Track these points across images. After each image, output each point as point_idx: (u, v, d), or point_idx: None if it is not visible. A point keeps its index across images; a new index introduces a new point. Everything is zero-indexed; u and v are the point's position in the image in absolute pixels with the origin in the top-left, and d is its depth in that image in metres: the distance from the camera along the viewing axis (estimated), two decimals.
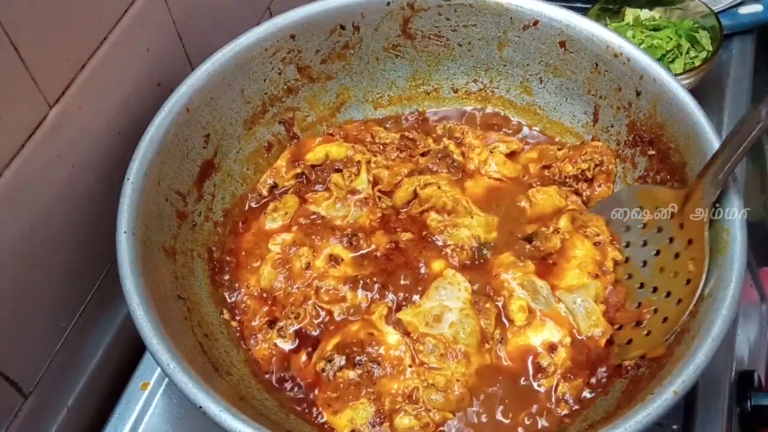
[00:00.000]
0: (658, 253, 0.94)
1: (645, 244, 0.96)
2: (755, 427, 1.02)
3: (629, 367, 0.86)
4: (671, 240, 0.93)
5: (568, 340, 0.89)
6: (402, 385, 0.86)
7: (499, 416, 0.87)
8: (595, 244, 0.97)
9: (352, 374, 0.87)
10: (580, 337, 0.90)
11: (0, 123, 0.75)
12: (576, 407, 0.86)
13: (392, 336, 0.90)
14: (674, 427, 0.93)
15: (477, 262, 0.97)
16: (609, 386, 0.87)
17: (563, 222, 0.98)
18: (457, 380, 0.86)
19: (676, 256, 0.91)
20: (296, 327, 0.93)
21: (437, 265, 0.96)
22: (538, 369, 0.88)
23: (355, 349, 0.88)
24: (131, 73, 0.94)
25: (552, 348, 0.89)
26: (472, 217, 0.99)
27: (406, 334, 0.90)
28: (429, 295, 0.92)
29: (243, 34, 1.01)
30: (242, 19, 1.15)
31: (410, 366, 0.87)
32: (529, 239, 0.98)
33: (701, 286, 0.85)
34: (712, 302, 0.79)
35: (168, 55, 1.00)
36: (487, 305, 0.92)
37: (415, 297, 0.93)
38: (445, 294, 0.92)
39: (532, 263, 0.95)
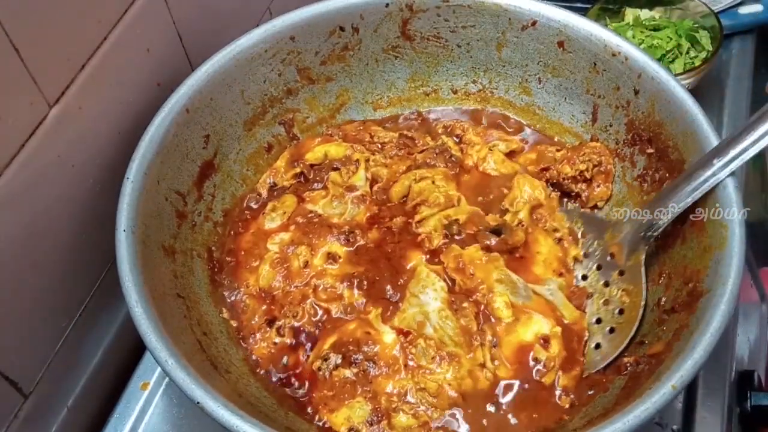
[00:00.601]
0: (584, 278, 0.96)
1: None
2: (755, 427, 1.02)
3: (628, 365, 0.86)
4: (599, 267, 0.95)
5: (558, 329, 0.90)
6: (397, 384, 0.86)
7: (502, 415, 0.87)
8: (556, 240, 0.99)
9: (348, 373, 0.87)
10: (566, 323, 0.92)
11: (0, 123, 0.75)
12: (578, 401, 0.87)
13: (388, 335, 0.90)
14: (674, 427, 0.93)
15: (448, 238, 0.98)
16: (608, 384, 0.87)
17: (524, 213, 0.99)
18: (449, 384, 0.86)
19: (606, 284, 0.93)
20: (295, 326, 0.93)
21: (414, 257, 0.97)
22: (536, 364, 0.89)
23: (351, 348, 0.88)
24: (131, 73, 0.94)
25: (545, 341, 0.89)
26: (436, 183, 1.00)
27: (402, 333, 0.90)
28: (409, 300, 0.93)
29: (243, 35, 1.02)
30: (242, 20, 1.15)
31: (405, 366, 0.87)
32: (496, 232, 0.98)
33: (638, 319, 0.88)
34: (710, 297, 0.79)
35: (168, 55, 1.00)
36: (465, 304, 0.92)
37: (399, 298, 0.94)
38: (423, 298, 0.92)
39: (502, 257, 0.96)
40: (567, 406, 0.86)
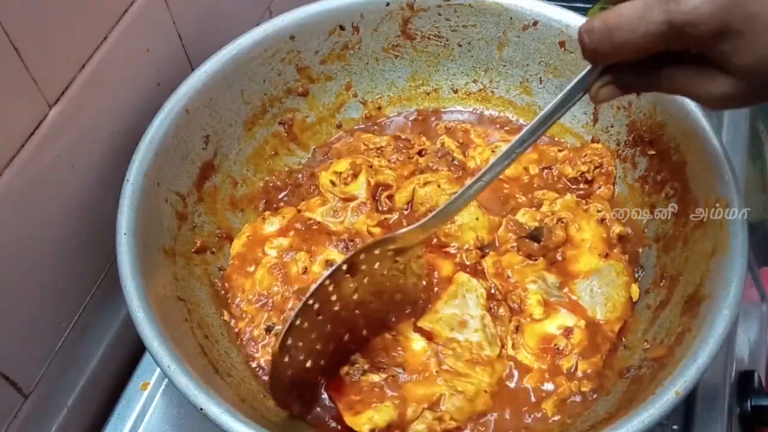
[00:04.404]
0: None
1: None
2: (755, 427, 1.02)
3: (630, 368, 0.86)
4: None
5: (582, 323, 0.90)
6: (429, 391, 0.85)
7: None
8: (599, 221, 0.98)
9: (376, 378, 0.86)
10: (596, 320, 0.92)
11: (0, 123, 0.75)
12: (597, 384, 0.87)
13: (418, 343, 0.89)
14: (674, 427, 0.93)
15: (481, 260, 0.97)
16: (610, 387, 0.87)
17: (559, 206, 0.99)
18: (485, 391, 0.86)
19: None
20: None
21: (446, 267, 0.96)
22: (556, 352, 0.89)
23: (380, 354, 0.88)
24: (131, 73, 0.94)
25: (568, 332, 0.90)
26: (477, 219, 0.99)
27: (431, 339, 0.90)
28: (446, 302, 0.92)
29: (243, 34, 1.02)
30: (242, 19, 1.15)
31: (437, 372, 0.86)
32: (534, 238, 0.98)
33: None
34: (712, 301, 0.79)
35: (168, 55, 1.00)
36: (501, 310, 0.92)
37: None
38: (462, 302, 0.92)
39: (543, 260, 0.96)
40: (587, 388, 0.86)
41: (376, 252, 0.85)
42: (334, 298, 0.83)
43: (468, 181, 0.83)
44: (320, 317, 0.82)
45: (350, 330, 0.87)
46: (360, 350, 0.88)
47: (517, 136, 0.78)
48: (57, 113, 0.82)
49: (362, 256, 0.84)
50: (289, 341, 0.80)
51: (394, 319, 0.91)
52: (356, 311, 0.86)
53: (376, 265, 0.86)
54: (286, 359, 0.81)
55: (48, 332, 0.90)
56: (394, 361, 0.87)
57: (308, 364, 0.84)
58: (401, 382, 0.86)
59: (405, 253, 0.87)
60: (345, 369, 0.87)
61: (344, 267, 0.82)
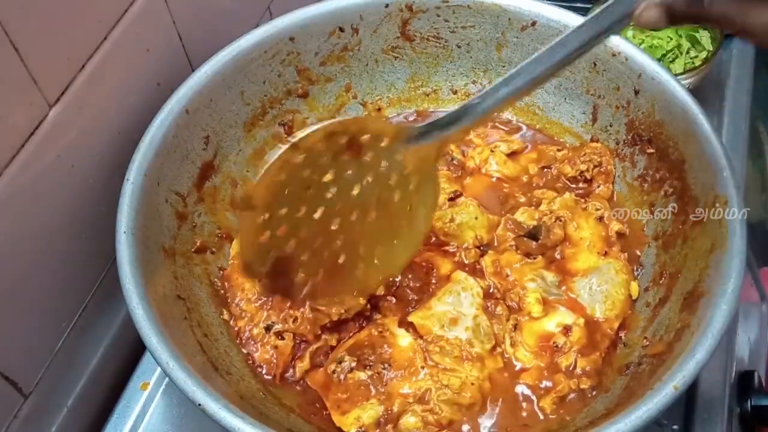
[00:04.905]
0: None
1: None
2: (755, 427, 1.02)
3: (630, 365, 0.86)
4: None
5: (581, 321, 0.90)
6: (414, 386, 0.86)
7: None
8: (597, 219, 0.99)
9: (362, 375, 0.86)
10: (595, 318, 0.92)
11: (0, 123, 0.75)
12: (596, 382, 0.87)
13: (404, 339, 0.89)
14: (674, 427, 0.93)
15: (480, 259, 0.97)
16: (610, 384, 0.87)
17: (558, 205, 0.99)
18: (471, 384, 0.86)
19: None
20: (294, 330, 0.92)
21: (445, 265, 0.96)
22: (555, 350, 0.89)
23: (366, 351, 0.88)
24: (131, 73, 0.94)
25: (567, 329, 0.90)
26: (476, 218, 0.99)
27: (419, 336, 0.90)
28: (441, 299, 0.92)
29: (243, 36, 1.02)
30: (242, 19, 1.15)
31: (423, 368, 0.86)
32: (533, 236, 0.98)
33: None
34: (711, 298, 0.79)
35: (168, 55, 1.00)
36: (498, 308, 0.92)
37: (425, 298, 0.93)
38: (457, 299, 0.92)
39: (542, 258, 0.96)
40: (587, 386, 0.86)
41: (383, 144, 0.74)
42: (329, 177, 0.74)
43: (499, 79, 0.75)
44: (310, 190, 0.74)
45: (340, 233, 0.77)
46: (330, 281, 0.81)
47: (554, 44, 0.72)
48: (57, 113, 0.82)
49: (366, 137, 0.72)
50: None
51: (377, 260, 0.82)
52: (353, 215, 0.77)
53: (383, 164, 0.75)
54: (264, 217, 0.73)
55: (48, 332, 0.90)
56: (380, 358, 0.87)
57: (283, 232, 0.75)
58: (387, 379, 0.86)
59: (416, 174, 0.78)
60: (332, 367, 0.88)
61: (343, 139, 0.72)
